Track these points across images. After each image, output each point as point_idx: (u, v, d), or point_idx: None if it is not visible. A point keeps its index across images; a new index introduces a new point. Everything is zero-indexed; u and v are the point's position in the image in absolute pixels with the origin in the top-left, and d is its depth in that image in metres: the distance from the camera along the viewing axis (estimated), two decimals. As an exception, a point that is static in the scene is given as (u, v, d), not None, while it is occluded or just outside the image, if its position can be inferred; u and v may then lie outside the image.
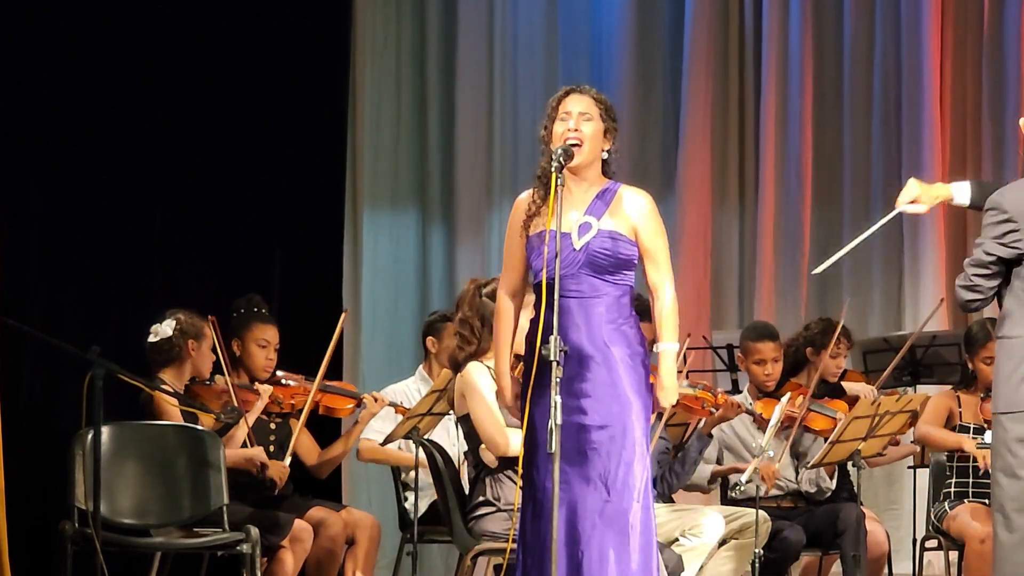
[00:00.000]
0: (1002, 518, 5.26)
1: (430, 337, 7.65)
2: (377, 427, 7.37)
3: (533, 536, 5.20)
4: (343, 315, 7.23)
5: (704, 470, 7.47)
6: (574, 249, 5.24)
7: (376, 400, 7.23)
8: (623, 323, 5.26)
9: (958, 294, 5.41)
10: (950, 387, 7.67)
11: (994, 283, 5.34)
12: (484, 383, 5.99)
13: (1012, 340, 5.32)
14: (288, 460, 7.05)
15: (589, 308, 5.23)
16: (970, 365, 7.55)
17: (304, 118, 8.83)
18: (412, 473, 7.23)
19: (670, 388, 5.28)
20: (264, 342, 7.20)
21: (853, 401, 7.57)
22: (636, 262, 5.31)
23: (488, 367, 6.09)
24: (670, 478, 7.23)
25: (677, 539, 6.54)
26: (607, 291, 5.25)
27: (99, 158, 8.08)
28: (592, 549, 5.14)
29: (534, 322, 5.24)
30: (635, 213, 5.29)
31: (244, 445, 6.93)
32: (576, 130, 5.29)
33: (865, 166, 9.62)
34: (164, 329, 6.92)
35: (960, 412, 7.52)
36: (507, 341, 5.44)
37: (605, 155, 5.35)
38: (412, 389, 7.57)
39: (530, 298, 5.56)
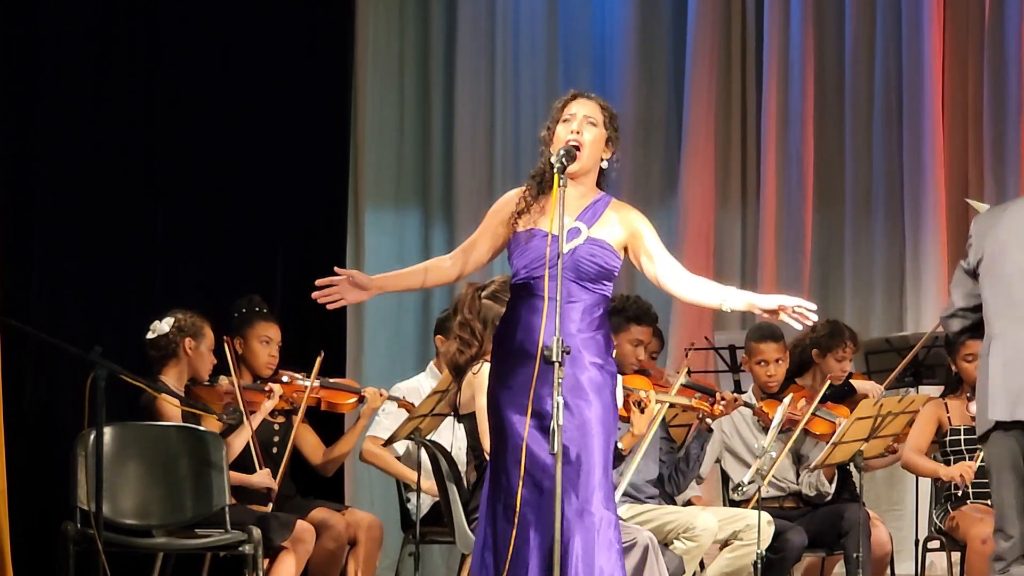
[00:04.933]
0: None
1: (439, 335, 7.66)
2: (386, 424, 7.38)
3: (504, 541, 5.12)
4: (319, 359, 7.18)
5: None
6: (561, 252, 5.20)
7: (377, 395, 7.22)
8: (596, 332, 5.20)
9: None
10: (938, 396, 7.66)
11: (962, 325, 5.75)
12: None
13: None
14: (286, 458, 7.07)
15: (563, 312, 5.12)
16: (953, 367, 7.56)
17: (306, 118, 8.83)
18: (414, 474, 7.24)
19: (775, 297, 5.22)
20: (266, 339, 7.21)
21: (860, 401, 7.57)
22: (616, 274, 5.26)
23: None
24: (677, 477, 7.24)
25: (672, 541, 6.54)
26: (583, 297, 5.19)
27: (101, 159, 8.08)
28: (571, 553, 5.08)
29: (506, 321, 5.21)
30: (629, 222, 5.26)
31: (247, 446, 6.93)
32: (578, 133, 5.25)
33: (866, 167, 9.63)
34: (162, 326, 6.93)
35: (949, 418, 7.52)
36: (404, 271, 5.40)
37: (604, 164, 5.32)
38: (424, 385, 7.55)
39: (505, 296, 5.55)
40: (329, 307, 5.34)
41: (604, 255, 5.21)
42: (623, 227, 5.25)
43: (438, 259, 5.44)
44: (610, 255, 5.22)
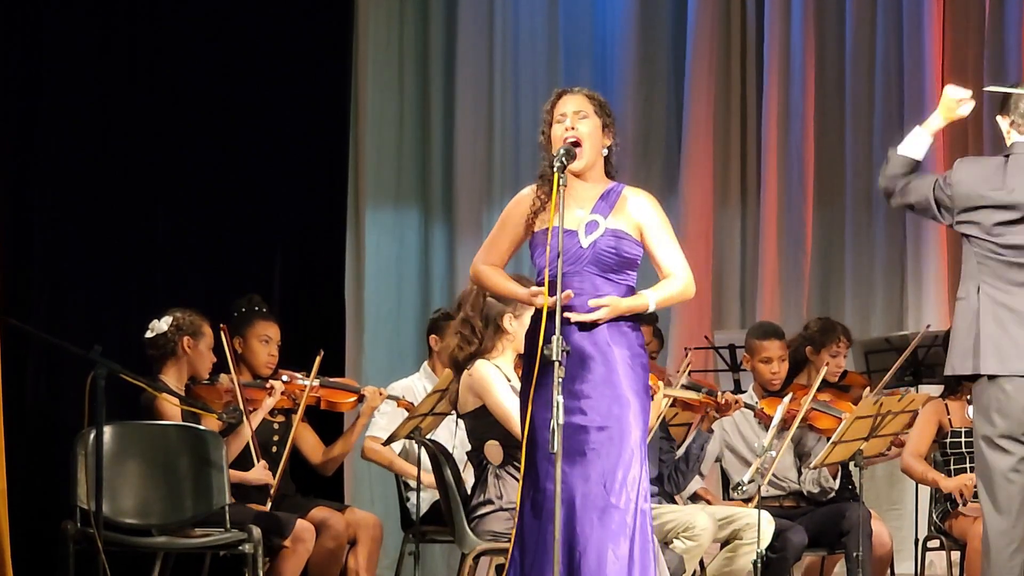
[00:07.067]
0: None
1: (433, 335, 7.67)
2: (383, 424, 7.38)
3: (531, 536, 5.19)
4: (318, 358, 7.18)
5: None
6: (581, 247, 5.25)
7: (377, 394, 7.24)
8: (624, 324, 5.26)
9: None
10: (938, 396, 7.66)
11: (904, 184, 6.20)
12: (496, 377, 6.00)
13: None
14: (285, 457, 7.07)
15: (591, 308, 5.22)
16: None
17: (306, 118, 8.84)
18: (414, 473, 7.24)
19: (607, 303, 5.19)
20: (266, 338, 7.23)
21: (856, 400, 7.57)
22: (639, 262, 5.32)
23: (496, 365, 6.10)
24: (676, 477, 7.24)
25: (672, 541, 6.55)
26: (609, 291, 5.25)
27: (102, 158, 8.09)
28: (590, 550, 5.13)
29: (535, 319, 5.23)
30: (641, 211, 5.31)
31: (247, 445, 6.94)
32: (573, 129, 5.30)
33: (867, 166, 9.62)
34: (160, 325, 6.94)
35: (950, 419, 7.51)
36: (506, 278, 5.44)
37: (606, 151, 5.36)
38: (418, 385, 7.57)
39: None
40: None
41: (624, 244, 5.26)
42: (636, 216, 5.30)
43: (483, 266, 5.50)
44: (630, 243, 5.28)
